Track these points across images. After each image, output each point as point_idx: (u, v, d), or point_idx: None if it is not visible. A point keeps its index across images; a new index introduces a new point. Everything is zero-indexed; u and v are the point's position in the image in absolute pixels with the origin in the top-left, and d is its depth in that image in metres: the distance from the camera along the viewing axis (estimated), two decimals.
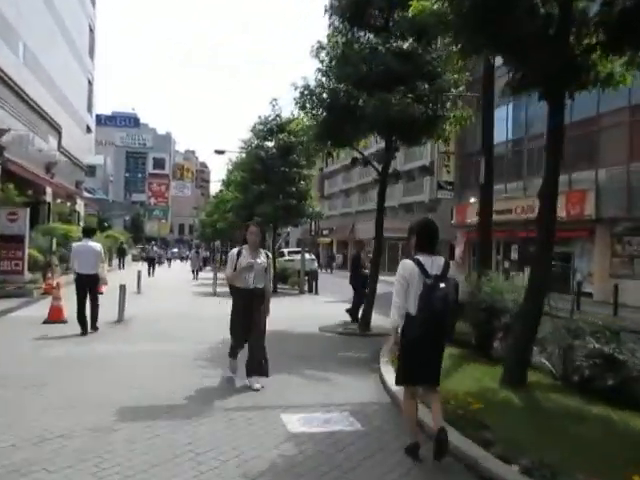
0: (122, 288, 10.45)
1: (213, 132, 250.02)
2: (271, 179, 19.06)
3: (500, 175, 24.93)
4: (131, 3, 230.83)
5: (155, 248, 30.37)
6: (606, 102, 18.26)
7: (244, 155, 22.74)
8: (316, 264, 29.11)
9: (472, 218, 26.31)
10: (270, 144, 19.83)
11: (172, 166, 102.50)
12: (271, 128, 19.57)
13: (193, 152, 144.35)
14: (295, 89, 10.52)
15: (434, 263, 3.94)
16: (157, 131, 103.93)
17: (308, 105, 10.29)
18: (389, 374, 6.15)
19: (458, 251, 29.66)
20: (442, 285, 3.82)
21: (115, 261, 39.46)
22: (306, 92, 10.27)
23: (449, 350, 8.24)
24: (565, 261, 21.30)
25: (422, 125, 9.84)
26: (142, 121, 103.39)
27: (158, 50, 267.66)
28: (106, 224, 45.55)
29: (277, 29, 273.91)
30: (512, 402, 5.42)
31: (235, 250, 6.44)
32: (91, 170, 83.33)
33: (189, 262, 27.27)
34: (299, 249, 32.82)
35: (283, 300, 17.09)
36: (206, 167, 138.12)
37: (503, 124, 24.40)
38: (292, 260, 28.95)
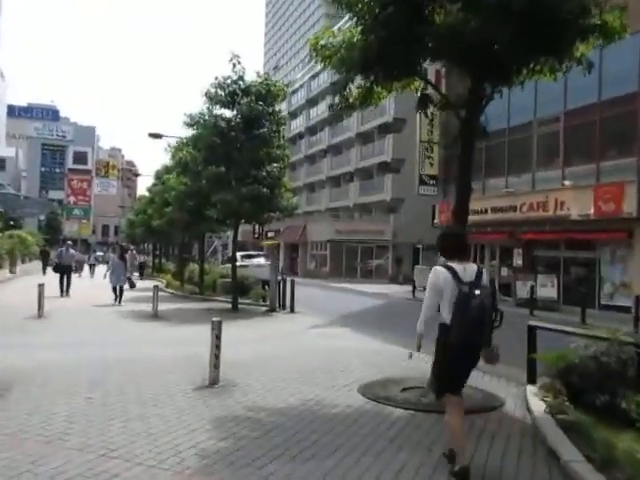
0: None
1: (141, 131, 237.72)
2: (234, 159, 14.17)
3: (500, 166, 21.31)
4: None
5: (72, 251, 18.42)
6: None
7: (192, 132, 17.67)
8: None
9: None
10: (231, 113, 14.96)
11: (95, 162, 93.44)
12: (233, 91, 14.67)
13: (119, 150, 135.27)
14: None
15: (467, 270, 3.80)
16: (79, 124, 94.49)
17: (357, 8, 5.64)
18: None
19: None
20: (477, 292, 3.65)
21: (29, 265, 32.77)
22: None
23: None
24: (587, 269, 17.79)
25: (553, 36, 5.50)
26: (62, 115, 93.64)
27: (82, 47, 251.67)
28: (12, 222, 38.39)
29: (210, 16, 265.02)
30: None
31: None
32: None
33: (108, 273, 15.72)
34: (255, 252, 27.90)
35: (253, 324, 12.22)
36: (133, 165, 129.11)
37: (504, 104, 20.72)
38: (246, 266, 23.97)
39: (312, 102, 53.99)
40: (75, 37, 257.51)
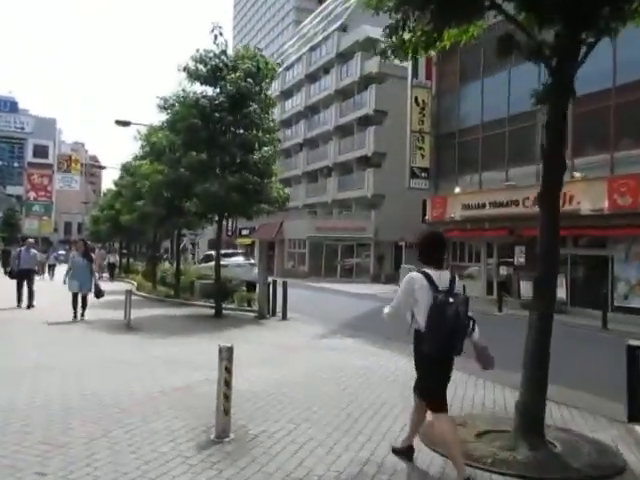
0: None
1: (105, 126, 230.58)
2: (219, 143, 12.35)
3: (500, 158, 19.99)
4: None
5: (34, 251, 14.34)
6: None
7: (166, 116, 15.77)
8: (256, 270, 22.52)
9: (456, 212, 21.17)
10: (213, 91, 13.14)
11: (57, 156, 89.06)
12: (217, 66, 12.84)
13: (82, 144, 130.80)
14: None
15: (441, 277, 3.74)
16: (40, 116, 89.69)
17: None
18: None
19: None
20: (452, 300, 3.60)
21: None
22: None
23: None
24: (598, 267, 16.57)
25: None
26: (22, 107, 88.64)
27: (40, 38, 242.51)
28: None
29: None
30: None
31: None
32: None
33: (67, 278, 11.79)
34: (233, 251, 25.93)
35: (246, 335, 10.40)
36: (97, 161, 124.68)
37: (503, 91, 19.43)
38: (225, 266, 22.07)
39: (286, 94, 52.09)
40: (32, 29, 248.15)
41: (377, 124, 37.43)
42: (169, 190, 13.50)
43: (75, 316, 11.29)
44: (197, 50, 13.09)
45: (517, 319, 15.87)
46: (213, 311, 13.41)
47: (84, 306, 11.53)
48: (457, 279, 3.85)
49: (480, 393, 6.27)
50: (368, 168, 37.68)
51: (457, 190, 21.23)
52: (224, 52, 13.29)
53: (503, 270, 19.98)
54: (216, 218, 14.28)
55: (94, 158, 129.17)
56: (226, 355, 4.35)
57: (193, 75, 12.92)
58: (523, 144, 18.50)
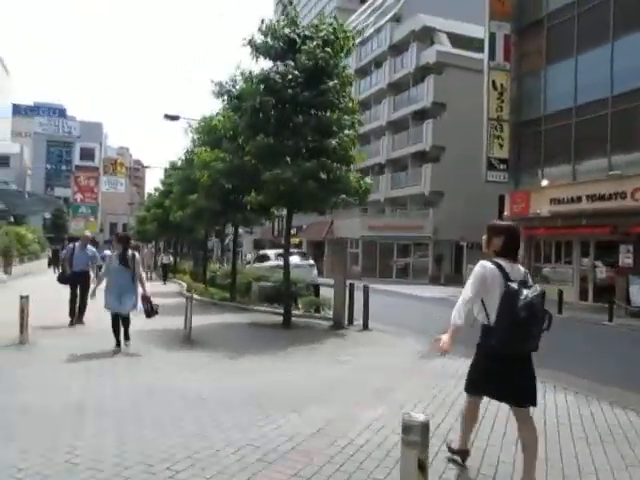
0: None
1: (148, 131, 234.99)
2: (291, 124, 10.43)
3: (600, 145, 17.41)
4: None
5: (91, 249, 11.28)
6: None
7: (222, 103, 14.06)
8: (316, 272, 20.68)
9: (543, 207, 18.68)
10: (283, 67, 11.23)
11: (103, 159, 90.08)
12: (289, 37, 10.93)
13: (127, 149, 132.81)
14: None
15: (514, 270, 3.52)
16: (86, 121, 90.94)
17: None
18: None
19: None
20: (526, 291, 3.30)
21: (29, 265, 29.09)
22: None
23: None
24: None
25: None
26: (69, 114, 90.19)
27: (84, 48, 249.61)
28: (13, 219, 35.00)
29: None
30: None
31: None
32: (3, 160, 70.52)
33: (103, 289, 8.16)
34: (296, 250, 24.01)
35: (329, 352, 8.42)
36: (141, 164, 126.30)
37: (604, 68, 16.88)
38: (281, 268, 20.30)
39: None
40: (74, 36, 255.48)
41: (434, 117, 35.10)
42: (231, 180, 11.70)
43: (118, 344, 7.90)
44: (262, 21, 11.21)
45: (634, 331, 13.39)
46: (278, 318, 11.57)
47: (126, 329, 8.04)
48: (529, 274, 3.57)
49: None
50: (425, 164, 35.35)
51: (544, 183, 18.73)
52: (294, 22, 11.41)
53: (602, 273, 17.39)
54: (282, 212, 12.49)
55: (138, 162, 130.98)
56: (420, 439, 2.33)
57: (261, 49, 11.05)
58: (632, 127, 15.93)
